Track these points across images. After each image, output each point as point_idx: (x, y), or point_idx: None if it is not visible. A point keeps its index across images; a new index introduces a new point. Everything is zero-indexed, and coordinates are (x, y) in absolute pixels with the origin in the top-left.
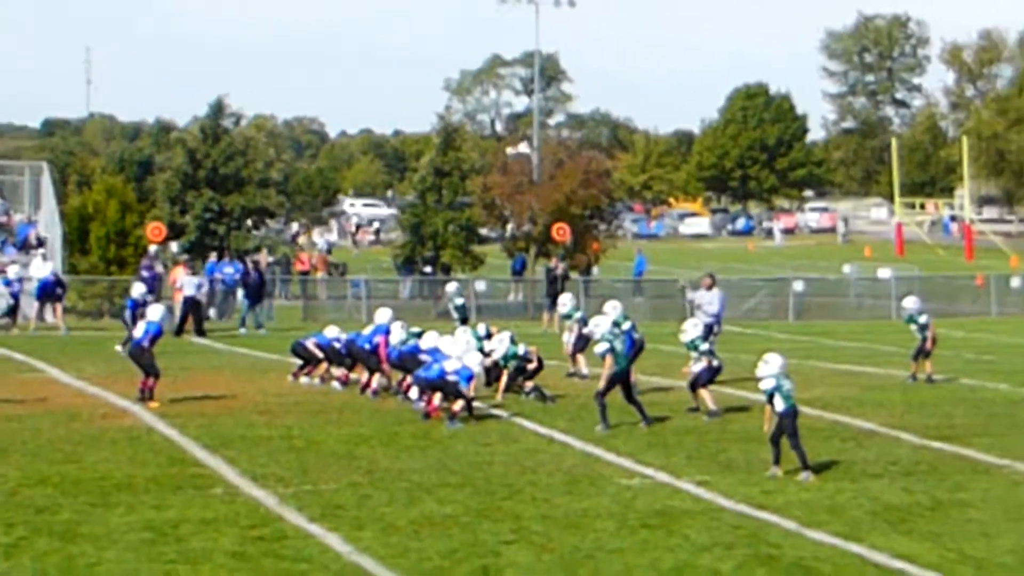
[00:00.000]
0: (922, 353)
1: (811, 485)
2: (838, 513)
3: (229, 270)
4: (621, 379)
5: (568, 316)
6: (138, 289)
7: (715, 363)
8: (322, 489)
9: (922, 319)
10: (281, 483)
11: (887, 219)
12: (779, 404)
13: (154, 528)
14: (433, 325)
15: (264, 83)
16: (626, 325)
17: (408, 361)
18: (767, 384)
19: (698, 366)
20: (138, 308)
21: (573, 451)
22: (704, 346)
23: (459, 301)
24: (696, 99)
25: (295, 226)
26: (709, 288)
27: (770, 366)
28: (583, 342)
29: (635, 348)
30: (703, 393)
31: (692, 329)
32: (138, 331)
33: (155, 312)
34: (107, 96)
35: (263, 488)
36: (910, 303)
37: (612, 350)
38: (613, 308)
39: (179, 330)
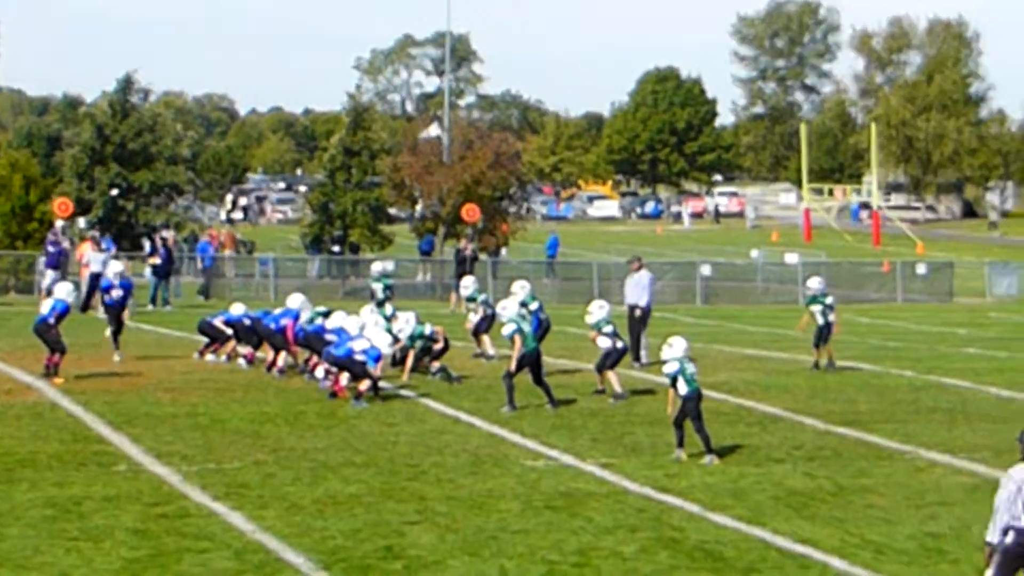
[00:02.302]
0: (823, 339)
1: (715, 469)
2: (741, 497)
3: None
4: (531, 360)
5: (472, 299)
6: (114, 268)
7: (619, 344)
8: (226, 467)
9: (828, 300)
10: (185, 461)
11: (795, 204)
12: (682, 387)
13: (56, 505)
14: (341, 304)
15: (174, 59)
16: (533, 306)
17: (314, 340)
18: (670, 368)
19: (604, 342)
20: (111, 289)
21: (478, 432)
22: (608, 328)
23: (389, 281)
24: (606, 82)
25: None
26: (637, 270)
27: (674, 349)
28: (487, 323)
29: (541, 329)
30: (609, 375)
31: (597, 311)
32: (44, 308)
33: (62, 290)
34: (15, 70)
35: (167, 466)
36: (815, 283)
37: (520, 331)
38: (521, 288)
39: (85, 306)
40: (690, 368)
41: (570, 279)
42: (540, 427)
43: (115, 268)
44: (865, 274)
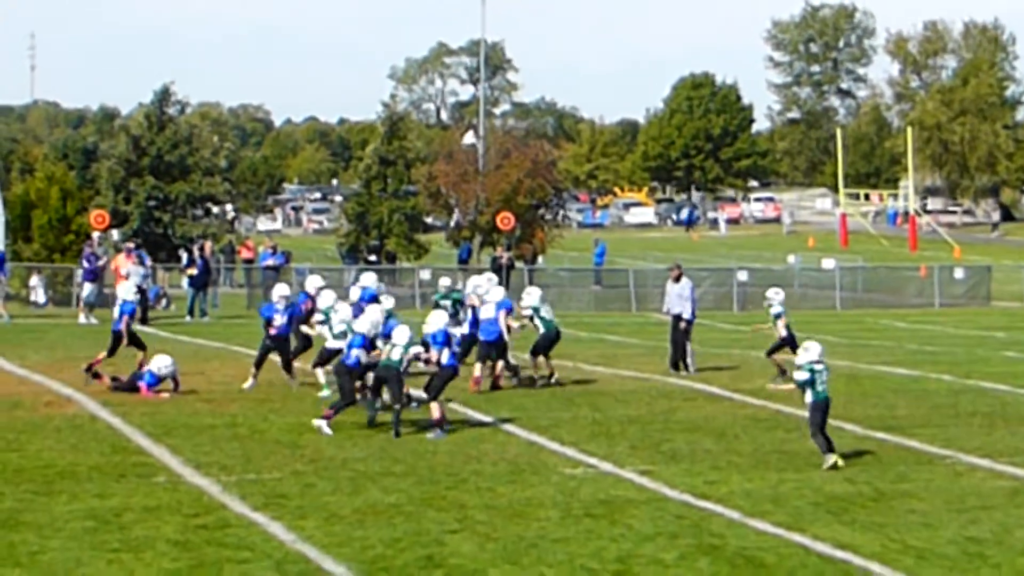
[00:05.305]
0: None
1: (754, 475)
2: (781, 503)
3: None
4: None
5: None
6: (279, 291)
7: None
8: (265, 478)
9: (773, 310)
10: (224, 471)
11: (831, 209)
12: (809, 396)
13: (97, 516)
14: None
15: (210, 70)
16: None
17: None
18: (800, 375)
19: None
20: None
21: (517, 440)
22: (545, 314)
23: (458, 295)
24: (642, 89)
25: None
26: (677, 279)
27: (809, 353)
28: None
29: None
30: (542, 359)
31: (527, 297)
32: (115, 314)
33: (124, 291)
34: (51, 83)
35: (206, 476)
36: (773, 295)
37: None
38: (490, 280)
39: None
40: (820, 376)
41: (607, 286)
42: (579, 435)
43: (281, 291)
44: (902, 279)
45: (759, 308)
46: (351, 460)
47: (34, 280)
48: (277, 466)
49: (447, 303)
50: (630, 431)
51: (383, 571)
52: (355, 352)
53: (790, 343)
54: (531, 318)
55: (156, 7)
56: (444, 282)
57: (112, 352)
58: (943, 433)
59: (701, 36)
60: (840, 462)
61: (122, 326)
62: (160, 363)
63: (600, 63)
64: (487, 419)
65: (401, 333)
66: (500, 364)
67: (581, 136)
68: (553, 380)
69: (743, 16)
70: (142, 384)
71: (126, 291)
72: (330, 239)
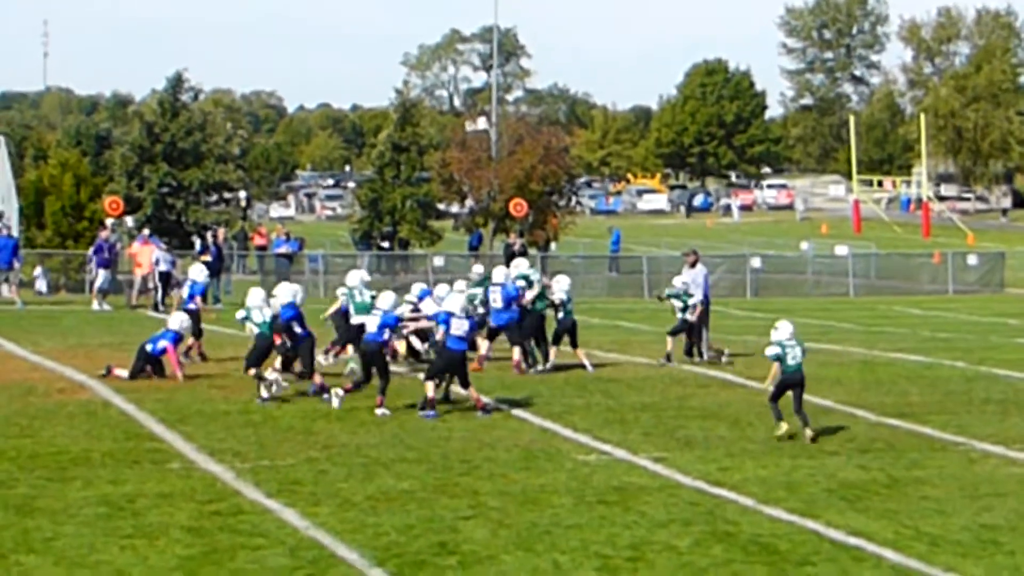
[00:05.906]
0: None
1: (768, 461)
2: (795, 490)
3: None
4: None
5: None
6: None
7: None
8: (279, 464)
9: (691, 300)
10: (238, 458)
11: (844, 196)
12: (778, 368)
13: (110, 503)
14: None
15: (223, 57)
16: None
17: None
18: (771, 351)
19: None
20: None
21: (531, 427)
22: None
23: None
24: (654, 75)
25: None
26: (693, 265)
27: (779, 332)
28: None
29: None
30: (554, 349)
31: (556, 286)
32: (183, 292)
33: (196, 272)
34: (64, 69)
35: (220, 463)
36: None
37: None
38: (561, 281)
39: (156, 304)
40: (793, 351)
41: (621, 272)
42: (592, 421)
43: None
44: (916, 265)
45: (772, 295)
46: (364, 447)
47: (37, 270)
48: (291, 453)
49: (479, 290)
50: (644, 418)
51: (396, 557)
52: (386, 331)
53: (685, 329)
54: (559, 306)
55: None
56: (477, 269)
57: (199, 334)
58: (956, 420)
59: (714, 22)
60: (784, 429)
61: (192, 305)
62: (178, 319)
63: (613, 50)
64: (500, 406)
65: (454, 300)
66: (517, 351)
67: (594, 123)
68: (589, 369)
69: (756, 2)
70: (168, 344)
71: (197, 272)
72: (343, 225)
